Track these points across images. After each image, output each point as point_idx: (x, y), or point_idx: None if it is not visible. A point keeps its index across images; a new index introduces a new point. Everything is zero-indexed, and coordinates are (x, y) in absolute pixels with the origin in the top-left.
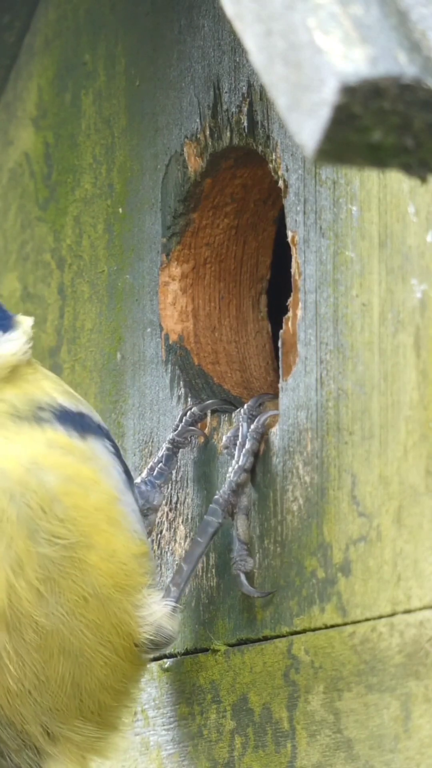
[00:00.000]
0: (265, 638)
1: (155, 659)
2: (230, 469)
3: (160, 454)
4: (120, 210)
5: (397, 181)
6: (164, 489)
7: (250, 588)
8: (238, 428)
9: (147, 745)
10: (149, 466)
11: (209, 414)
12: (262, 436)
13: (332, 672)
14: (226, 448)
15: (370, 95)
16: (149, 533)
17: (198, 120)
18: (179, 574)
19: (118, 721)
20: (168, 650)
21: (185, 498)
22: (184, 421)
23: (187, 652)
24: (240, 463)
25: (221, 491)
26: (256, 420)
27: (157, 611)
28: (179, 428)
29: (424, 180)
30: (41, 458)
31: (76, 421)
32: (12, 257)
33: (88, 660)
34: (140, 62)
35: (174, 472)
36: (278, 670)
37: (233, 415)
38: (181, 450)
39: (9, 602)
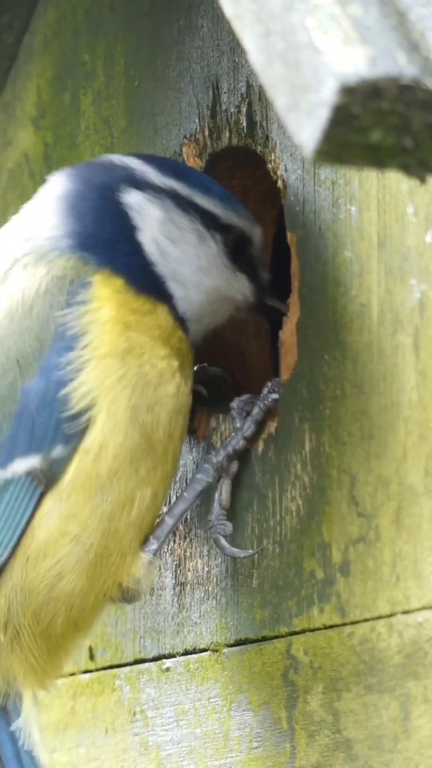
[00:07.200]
0: (264, 638)
1: (154, 659)
2: (232, 433)
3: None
4: None
5: (396, 181)
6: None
7: (232, 549)
8: (253, 398)
9: (146, 746)
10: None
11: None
12: (269, 411)
13: (331, 672)
14: (234, 409)
15: (369, 95)
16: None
17: (197, 120)
18: (161, 527)
19: (68, 652)
20: (137, 601)
21: None
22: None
23: (186, 652)
24: (243, 429)
25: (215, 451)
26: (268, 395)
27: (138, 558)
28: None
29: (423, 180)
30: None
31: None
32: None
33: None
34: (139, 62)
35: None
36: (277, 671)
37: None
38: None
39: None
